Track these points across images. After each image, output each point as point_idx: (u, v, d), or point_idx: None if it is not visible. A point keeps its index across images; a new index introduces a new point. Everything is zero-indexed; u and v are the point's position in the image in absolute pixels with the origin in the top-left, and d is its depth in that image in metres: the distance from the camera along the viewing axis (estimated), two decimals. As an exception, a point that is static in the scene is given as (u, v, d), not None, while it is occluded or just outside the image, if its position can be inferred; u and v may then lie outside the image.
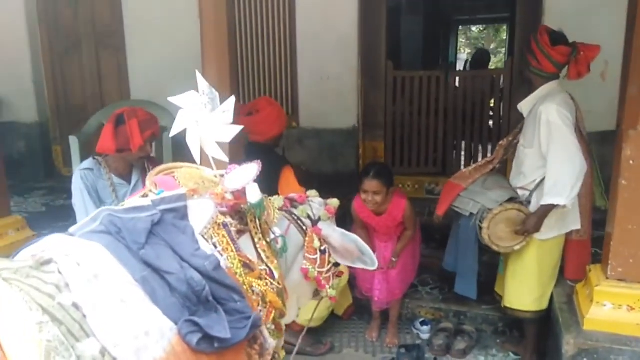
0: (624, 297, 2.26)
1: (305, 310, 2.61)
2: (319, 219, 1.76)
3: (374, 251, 3.07)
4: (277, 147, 3.27)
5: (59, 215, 4.06)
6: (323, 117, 4.83)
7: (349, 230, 1.78)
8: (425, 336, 3.18)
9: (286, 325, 2.88)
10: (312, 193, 1.89)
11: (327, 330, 3.25)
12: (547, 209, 2.46)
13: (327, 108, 4.80)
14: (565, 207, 2.44)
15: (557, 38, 2.46)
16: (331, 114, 4.80)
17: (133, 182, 2.73)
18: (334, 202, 1.86)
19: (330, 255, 1.74)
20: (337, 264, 1.78)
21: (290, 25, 4.82)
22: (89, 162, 2.71)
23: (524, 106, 2.66)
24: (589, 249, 2.74)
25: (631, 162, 2.18)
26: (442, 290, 3.48)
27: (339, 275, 1.86)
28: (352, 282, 3.28)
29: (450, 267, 2.98)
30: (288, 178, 3.03)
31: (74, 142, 3.55)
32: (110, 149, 2.57)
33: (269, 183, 2.90)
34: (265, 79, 5.02)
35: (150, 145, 2.73)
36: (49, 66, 5.66)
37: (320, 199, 1.87)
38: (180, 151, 1.50)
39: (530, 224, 2.51)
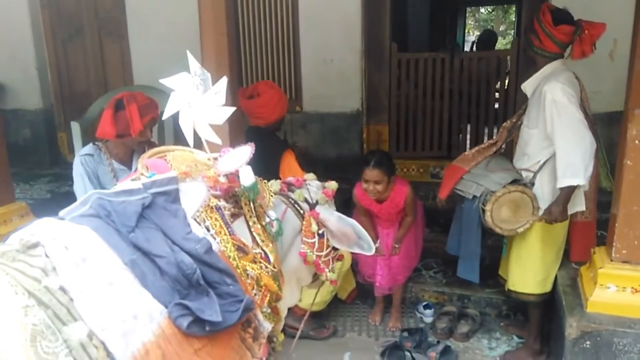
0: (629, 279, 2.23)
1: (307, 295, 2.61)
2: (317, 203, 1.74)
3: (376, 239, 3.08)
4: (278, 131, 3.24)
5: (63, 202, 4.00)
6: (327, 100, 4.78)
7: (350, 216, 1.75)
8: (429, 320, 3.17)
9: (288, 309, 2.88)
10: (310, 176, 1.87)
11: (330, 314, 3.25)
12: (568, 193, 2.40)
13: (330, 91, 4.75)
14: (581, 187, 2.39)
15: (561, 17, 2.40)
16: (335, 98, 4.75)
17: (134, 167, 2.71)
18: (332, 185, 1.83)
19: (328, 239, 1.73)
20: (336, 248, 1.77)
21: (293, 7, 4.76)
22: (89, 148, 2.71)
23: (527, 86, 2.61)
24: (594, 230, 2.71)
25: (637, 142, 2.14)
26: (446, 273, 3.46)
27: (339, 258, 1.85)
28: (355, 267, 3.27)
29: (453, 250, 2.95)
30: (289, 162, 3.01)
31: (75, 128, 3.55)
32: (110, 134, 2.56)
33: (270, 167, 2.89)
34: (268, 62, 4.97)
35: (150, 130, 2.72)
36: (52, 53, 5.64)
37: (317, 182, 1.84)
38: (182, 136, 1.48)
39: (556, 212, 2.43)
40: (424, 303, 3.26)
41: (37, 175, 5.36)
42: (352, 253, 3.05)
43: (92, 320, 0.99)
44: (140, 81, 5.16)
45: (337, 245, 1.74)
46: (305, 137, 4.85)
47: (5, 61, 5.45)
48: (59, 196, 4.68)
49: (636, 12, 2.27)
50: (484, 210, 2.58)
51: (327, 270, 1.75)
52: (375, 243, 3.02)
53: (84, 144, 3.45)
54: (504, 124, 2.86)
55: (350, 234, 1.70)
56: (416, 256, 3.27)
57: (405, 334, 2.96)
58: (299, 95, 4.93)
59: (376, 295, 3.23)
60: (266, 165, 2.88)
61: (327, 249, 1.72)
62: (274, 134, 3.17)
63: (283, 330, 3.02)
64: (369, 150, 4.51)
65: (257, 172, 1.46)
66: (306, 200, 1.73)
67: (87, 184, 2.60)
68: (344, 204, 3.18)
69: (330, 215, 1.71)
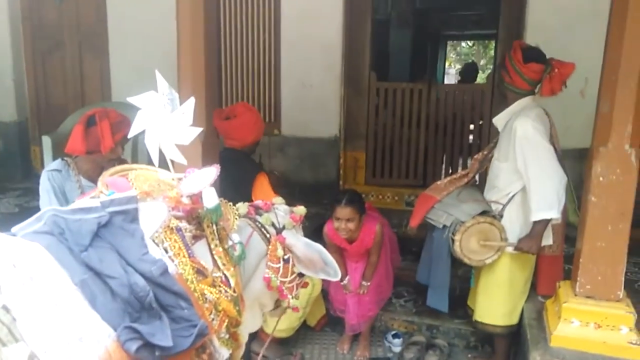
0: (592, 315, 2.24)
1: (274, 320, 2.57)
2: (284, 228, 1.73)
3: (345, 275, 3.03)
4: (253, 153, 3.23)
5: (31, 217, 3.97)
6: (305, 125, 4.81)
7: (323, 242, 1.74)
8: (397, 349, 3.14)
9: (255, 335, 2.81)
10: (278, 200, 1.86)
11: (298, 341, 3.20)
12: (542, 226, 2.44)
13: (309, 116, 4.78)
14: (555, 220, 2.42)
15: (531, 55, 2.46)
16: (313, 123, 4.78)
17: (103, 184, 2.67)
18: (300, 210, 1.82)
19: (294, 265, 1.71)
20: (302, 274, 1.75)
21: (275, 33, 4.81)
22: (57, 163, 2.66)
23: (498, 121, 2.66)
24: (561, 264, 2.74)
25: (601, 179, 2.18)
26: (417, 302, 3.44)
27: (303, 285, 1.83)
28: (327, 296, 3.23)
29: (423, 279, 2.95)
30: (262, 185, 2.99)
31: (46, 142, 3.48)
32: (80, 150, 2.53)
33: (243, 189, 2.87)
34: (249, 86, 4.99)
35: (121, 148, 2.69)
36: (30, 65, 5.58)
37: (286, 207, 1.83)
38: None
39: (533, 246, 2.47)
40: (393, 332, 3.23)
41: (7, 189, 5.23)
42: (323, 282, 3.04)
43: (35, 341, 0.96)
44: (118, 97, 5.12)
45: (303, 271, 1.73)
46: (282, 161, 4.86)
47: (-20, 71, 5.38)
48: (27, 211, 4.56)
49: (604, 54, 2.34)
50: (453, 240, 2.59)
51: (290, 296, 1.73)
52: (343, 280, 3.00)
53: (55, 159, 3.39)
54: (475, 156, 2.90)
55: (316, 260, 1.68)
56: (388, 289, 3.22)
57: (373, 363, 2.93)
58: (277, 119, 4.95)
59: (346, 333, 3.18)
60: (239, 187, 2.87)
61: (292, 274, 1.70)
62: (248, 157, 3.16)
63: (249, 357, 2.96)
64: (339, 190, 4.51)
65: (229, 194, 1.43)
66: (273, 225, 1.72)
67: (52, 200, 2.54)
68: (318, 228, 3.16)
69: (297, 241, 1.70)
